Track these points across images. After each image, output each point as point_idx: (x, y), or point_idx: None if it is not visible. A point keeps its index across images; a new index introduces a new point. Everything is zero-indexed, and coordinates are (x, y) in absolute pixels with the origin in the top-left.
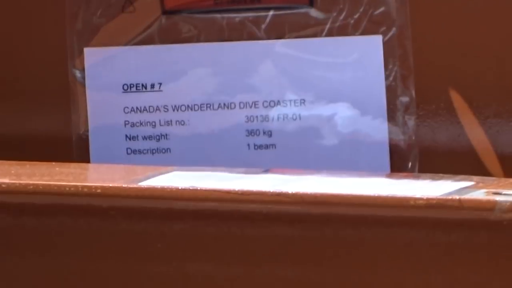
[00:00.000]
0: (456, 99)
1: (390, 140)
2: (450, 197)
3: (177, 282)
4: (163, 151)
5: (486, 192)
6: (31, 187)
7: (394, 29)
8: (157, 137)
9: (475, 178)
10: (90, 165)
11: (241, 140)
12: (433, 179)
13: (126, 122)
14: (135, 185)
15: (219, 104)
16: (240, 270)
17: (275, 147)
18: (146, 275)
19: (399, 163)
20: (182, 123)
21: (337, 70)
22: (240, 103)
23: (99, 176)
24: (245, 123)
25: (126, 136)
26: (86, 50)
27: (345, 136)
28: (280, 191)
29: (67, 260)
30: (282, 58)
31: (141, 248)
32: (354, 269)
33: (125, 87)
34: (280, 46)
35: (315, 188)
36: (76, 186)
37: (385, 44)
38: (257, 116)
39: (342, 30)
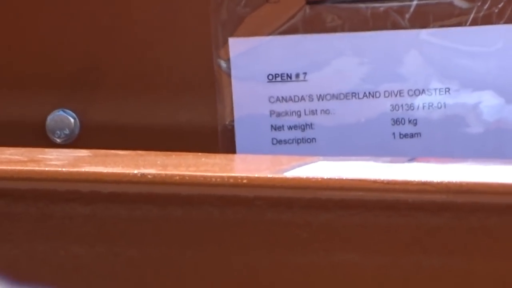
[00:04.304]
0: None
1: None
2: None
3: (324, 272)
4: (308, 140)
5: None
6: (177, 177)
7: None
8: (302, 127)
9: None
10: (235, 156)
11: (386, 129)
12: None
13: (272, 112)
14: (280, 175)
15: (364, 93)
16: (386, 259)
17: (420, 136)
18: (291, 265)
19: None
20: (327, 112)
21: (481, 58)
22: (385, 92)
23: (244, 166)
24: (390, 112)
25: (272, 126)
26: (231, 40)
27: (490, 125)
28: (425, 180)
29: (213, 250)
30: (427, 47)
31: (287, 238)
32: (500, 258)
33: (270, 77)
34: (424, 35)
35: (460, 177)
36: (222, 177)
37: None
38: (402, 105)
39: (486, 19)
